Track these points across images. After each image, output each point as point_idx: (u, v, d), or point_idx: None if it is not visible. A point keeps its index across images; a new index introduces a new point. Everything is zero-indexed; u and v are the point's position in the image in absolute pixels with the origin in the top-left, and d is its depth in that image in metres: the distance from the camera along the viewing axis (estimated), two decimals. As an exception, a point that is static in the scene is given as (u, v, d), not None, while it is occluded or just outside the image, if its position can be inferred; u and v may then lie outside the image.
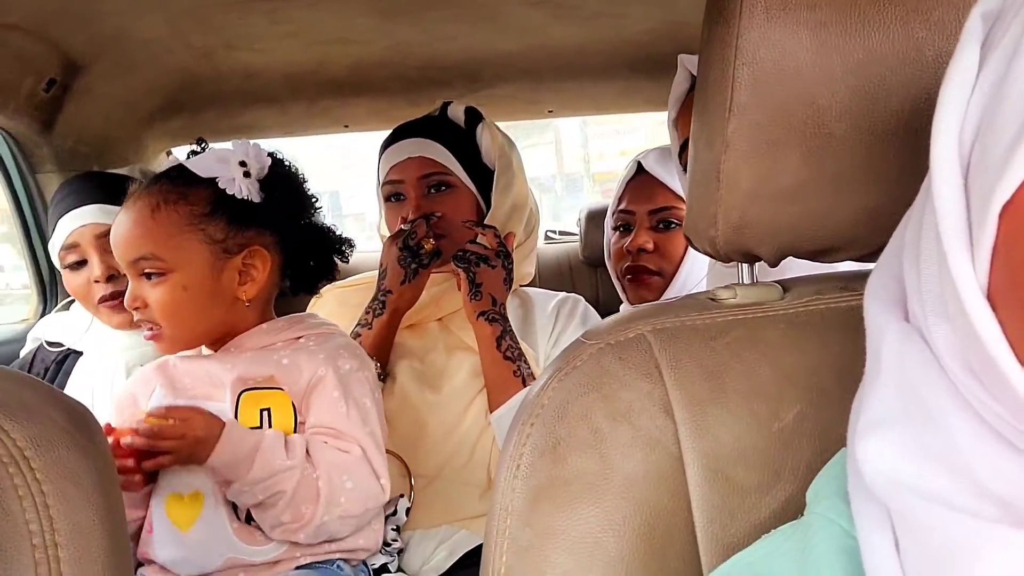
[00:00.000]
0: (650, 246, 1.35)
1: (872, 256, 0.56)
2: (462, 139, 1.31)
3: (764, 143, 0.51)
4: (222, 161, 0.97)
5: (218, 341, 1.02)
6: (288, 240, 1.03)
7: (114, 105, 1.60)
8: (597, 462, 0.52)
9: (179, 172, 0.99)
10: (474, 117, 1.32)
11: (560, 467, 0.53)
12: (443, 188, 1.28)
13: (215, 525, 0.94)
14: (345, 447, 0.95)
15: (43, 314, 1.62)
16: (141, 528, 0.98)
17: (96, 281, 1.31)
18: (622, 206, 1.41)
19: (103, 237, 1.28)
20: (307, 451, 0.94)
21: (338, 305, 1.35)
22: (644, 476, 0.52)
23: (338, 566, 0.98)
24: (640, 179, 1.39)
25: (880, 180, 0.51)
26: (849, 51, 0.49)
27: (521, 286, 1.38)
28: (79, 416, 0.60)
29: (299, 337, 1.02)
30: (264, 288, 1.01)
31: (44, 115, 1.49)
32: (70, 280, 1.33)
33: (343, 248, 1.10)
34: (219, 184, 0.96)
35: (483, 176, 1.32)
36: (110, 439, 0.90)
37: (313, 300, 1.37)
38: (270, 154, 1.01)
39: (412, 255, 1.21)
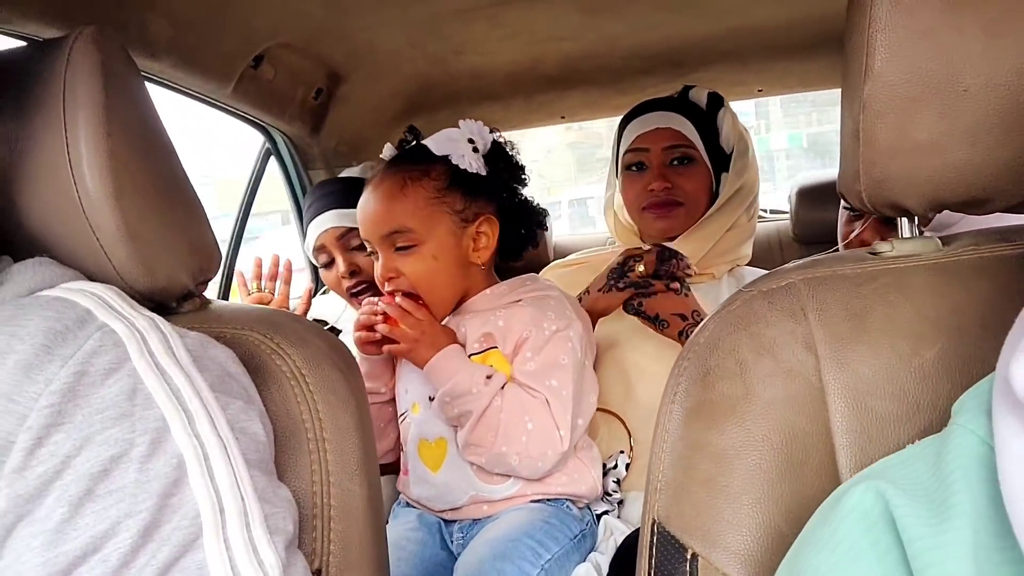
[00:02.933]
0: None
1: (1021, 207, 0.59)
2: (703, 120, 1.38)
3: (899, 101, 0.56)
4: (453, 140, 1.08)
5: (455, 304, 1.13)
6: (505, 209, 1.12)
7: (366, 110, 1.87)
8: (740, 388, 0.60)
9: (414, 153, 1.10)
10: (716, 101, 1.40)
11: (709, 392, 0.61)
12: (685, 161, 1.36)
13: (459, 467, 1.09)
14: (533, 394, 1.05)
15: (314, 293, 1.91)
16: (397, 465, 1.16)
17: (342, 277, 1.54)
18: None
19: (342, 238, 1.56)
20: (502, 388, 1.05)
21: (563, 287, 1.46)
22: (784, 401, 0.59)
23: (567, 505, 1.10)
24: None
25: (1017, 132, 0.54)
26: (982, 9, 0.53)
27: (738, 266, 1.43)
28: (338, 346, 0.78)
29: (518, 300, 1.12)
30: (493, 253, 1.12)
31: (314, 120, 1.78)
32: (325, 276, 1.61)
33: (543, 219, 1.19)
34: (452, 160, 1.06)
35: (718, 157, 1.39)
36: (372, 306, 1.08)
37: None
38: (491, 132, 1.11)
39: (620, 273, 1.24)
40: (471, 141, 1.08)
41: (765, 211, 2.10)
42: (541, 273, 1.50)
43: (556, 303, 1.12)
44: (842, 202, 1.40)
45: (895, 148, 0.57)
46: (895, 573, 0.39)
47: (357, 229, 1.45)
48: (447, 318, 1.14)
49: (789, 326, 0.61)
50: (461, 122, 1.10)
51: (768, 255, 1.89)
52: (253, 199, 1.94)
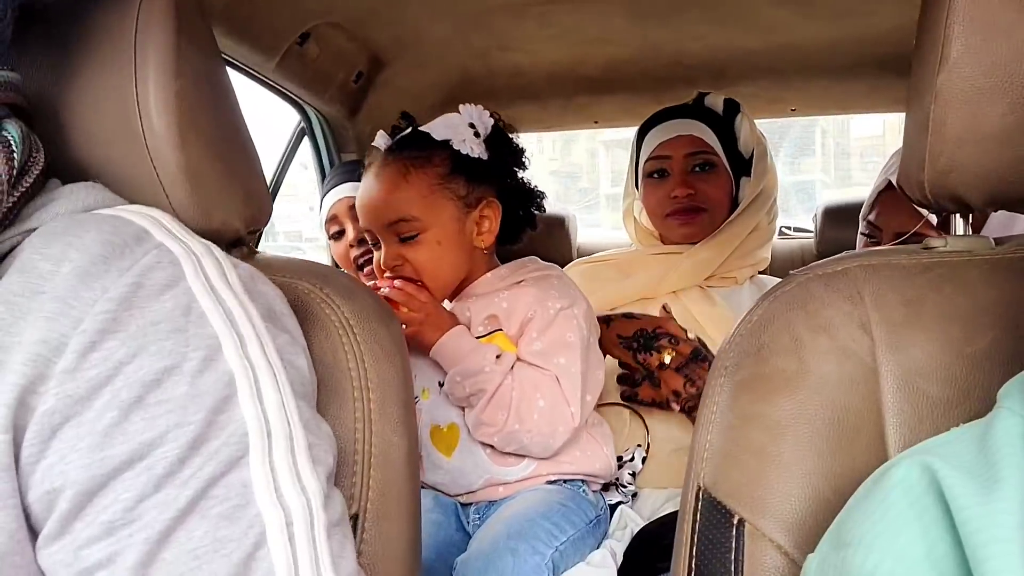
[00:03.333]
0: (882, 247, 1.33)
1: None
2: (721, 126, 1.40)
3: (972, 93, 0.57)
4: (453, 125, 1.08)
5: (457, 289, 1.14)
6: (506, 192, 1.12)
7: (405, 98, 1.88)
8: (795, 363, 0.61)
9: (414, 139, 1.09)
10: (732, 107, 1.42)
11: (762, 366, 0.62)
12: (707, 168, 1.37)
13: (472, 451, 1.09)
14: (543, 373, 1.05)
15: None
16: None
17: (351, 246, 1.56)
18: (871, 217, 1.38)
19: (354, 208, 1.51)
20: (511, 367, 1.05)
21: (587, 280, 1.46)
22: (838, 378, 0.60)
23: (583, 489, 1.11)
24: (892, 193, 1.33)
25: (1089, 128, 0.55)
26: None
27: (759, 273, 1.44)
28: (382, 302, 0.79)
29: (520, 281, 1.12)
30: (495, 237, 1.12)
31: (352, 103, 1.80)
32: (334, 248, 1.64)
33: (541, 201, 1.18)
34: (453, 145, 1.06)
35: (737, 163, 1.41)
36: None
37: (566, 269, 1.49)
38: (492, 116, 1.11)
39: (646, 345, 1.19)
40: (472, 126, 1.08)
41: (789, 228, 2.11)
42: (565, 269, 1.50)
43: (559, 282, 1.13)
44: (860, 228, 1.42)
45: (963, 138, 0.58)
46: (939, 542, 0.40)
47: None
48: (452, 303, 1.15)
49: (846, 307, 0.61)
50: (461, 107, 1.10)
51: (791, 273, 1.89)
52: (283, 178, 1.95)
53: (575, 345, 1.07)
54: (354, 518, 0.66)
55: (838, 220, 1.82)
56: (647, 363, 1.18)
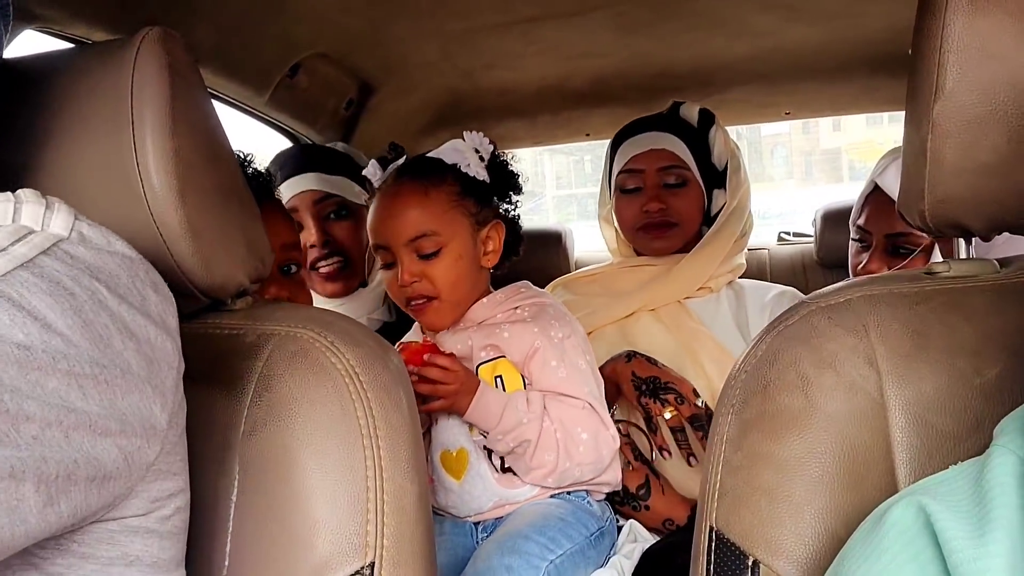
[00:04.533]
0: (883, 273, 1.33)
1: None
2: (695, 138, 1.40)
3: (968, 123, 0.57)
4: (460, 150, 1.14)
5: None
6: (504, 216, 1.18)
7: (396, 121, 1.89)
8: (802, 400, 0.61)
9: (424, 164, 1.14)
10: (707, 118, 1.41)
11: (769, 403, 0.62)
12: (679, 183, 1.37)
13: (482, 476, 1.11)
14: (573, 403, 1.08)
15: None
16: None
17: (312, 246, 1.41)
18: (860, 221, 1.39)
19: (320, 203, 1.44)
20: (544, 407, 1.07)
21: (574, 295, 1.48)
22: (846, 415, 0.60)
23: (587, 500, 1.12)
24: (879, 196, 1.35)
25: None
26: None
27: (736, 279, 1.44)
28: (387, 347, 0.79)
29: (516, 308, 1.15)
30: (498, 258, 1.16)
31: (344, 130, 1.80)
32: None
33: (520, 229, 1.21)
34: (461, 168, 1.12)
35: (709, 174, 1.40)
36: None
37: (550, 288, 1.50)
38: (491, 143, 1.16)
39: (652, 392, 1.21)
40: (476, 151, 1.14)
41: (789, 234, 2.11)
42: (551, 286, 1.52)
43: (554, 311, 1.16)
44: (851, 233, 1.42)
45: (961, 167, 0.58)
46: None
47: (335, 196, 1.47)
48: (450, 332, 1.15)
49: (851, 341, 0.61)
50: (465, 134, 1.15)
51: (792, 278, 1.89)
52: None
53: (588, 368, 1.12)
54: (371, 567, 0.66)
55: (838, 224, 1.81)
56: (648, 407, 1.20)
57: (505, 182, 1.17)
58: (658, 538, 1.16)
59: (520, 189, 1.19)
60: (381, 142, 1.92)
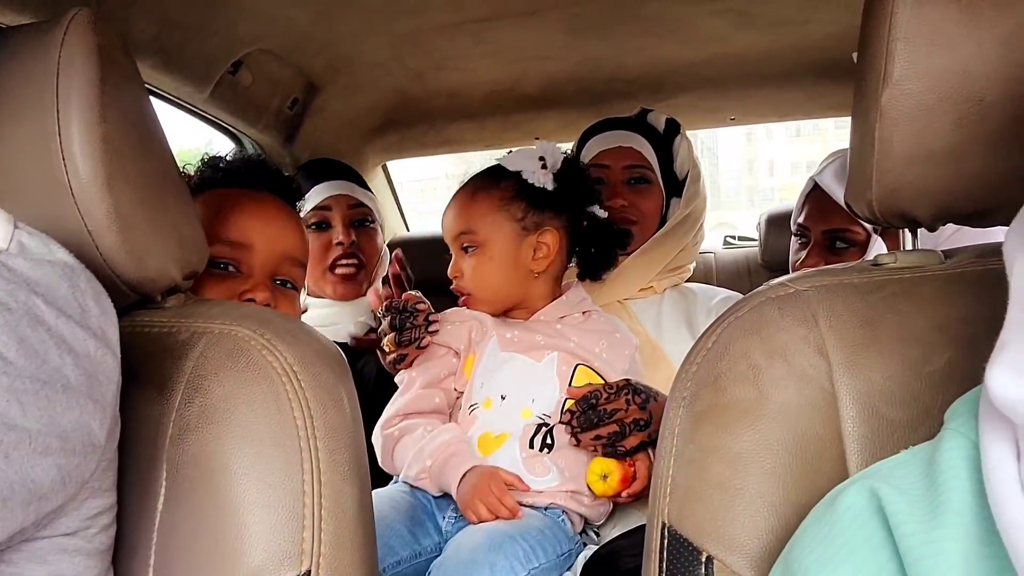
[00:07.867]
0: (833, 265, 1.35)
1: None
2: (660, 145, 1.43)
3: (916, 111, 0.57)
4: (526, 157, 1.19)
5: (517, 307, 1.22)
6: (574, 225, 1.22)
7: (342, 122, 1.85)
8: (753, 391, 0.59)
9: (490, 170, 1.23)
10: (673, 127, 1.45)
11: (720, 395, 0.61)
12: (643, 182, 1.39)
13: (510, 455, 1.10)
14: None
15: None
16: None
17: (339, 243, 1.55)
18: (800, 219, 1.40)
19: (353, 209, 1.62)
20: None
21: None
22: (798, 406, 0.59)
23: (564, 520, 1.10)
24: (818, 194, 1.35)
25: (1031, 142, 0.55)
26: (1000, 22, 0.54)
27: (682, 281, 1.46)
28: (329, 345, 0.76)
29: (586, 312, 1.23)
30: (553, 264, 1.20)
31: (287, 130, 1.75)
32: (311, 239, 1.51)
33: (624, 240, 1.28)
34: (523, 175, 1.17)
35: (670, 182, 1.42)
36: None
37: None
38: (564, 153, 1.22)
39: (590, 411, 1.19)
40: (541, 159, 1.19)
41: (734, 238, 2.13)
42: None
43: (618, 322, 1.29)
44: (792, 230, 1.44)
45: (911, 156, 0.58)
46: (887, 566, 0.40)
47: (366, 207, 1.66)
48: (517, 330, 1.19)
49: (801, 331, 0.61)
50: (536, 141, 1.22)
51: (737, 281, 1.91)
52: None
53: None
54: (307, 574, 0.63)
55: (782, 228, 1.83)
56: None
57: (573, 191, 1.20)
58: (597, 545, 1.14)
59: (595, 198, 1.24)
60: (326, 143, 1.90)
